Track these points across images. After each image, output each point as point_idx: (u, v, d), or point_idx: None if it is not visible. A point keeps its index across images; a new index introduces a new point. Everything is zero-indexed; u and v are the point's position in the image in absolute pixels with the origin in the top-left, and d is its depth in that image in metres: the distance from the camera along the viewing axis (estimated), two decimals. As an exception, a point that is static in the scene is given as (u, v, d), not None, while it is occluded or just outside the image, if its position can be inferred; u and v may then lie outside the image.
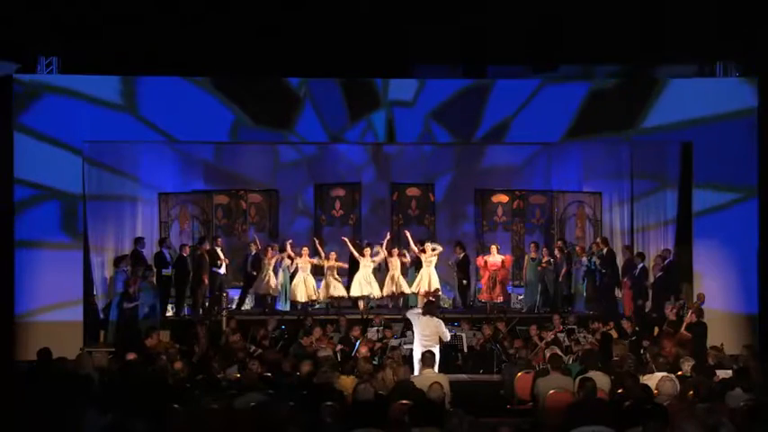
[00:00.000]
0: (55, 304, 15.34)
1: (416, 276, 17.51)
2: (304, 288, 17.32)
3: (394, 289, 17.45)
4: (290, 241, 17.76)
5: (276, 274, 17.39)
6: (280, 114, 16.19)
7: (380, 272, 17.76)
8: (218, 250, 17.47)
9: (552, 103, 16.09)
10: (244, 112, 15.99)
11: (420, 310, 13.52)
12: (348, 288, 17.52)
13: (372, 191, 19.70)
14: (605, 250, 17.36)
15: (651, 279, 17.15)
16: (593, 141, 17.37)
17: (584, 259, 17.57)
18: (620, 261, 17.53)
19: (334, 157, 19.65)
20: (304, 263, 17.37)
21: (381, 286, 17.49)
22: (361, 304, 17.40)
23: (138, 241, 17.16)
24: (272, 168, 19.67)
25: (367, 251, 17.49)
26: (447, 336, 13.41)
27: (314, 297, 17.45)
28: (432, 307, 13.74)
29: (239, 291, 18.12)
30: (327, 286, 17.43)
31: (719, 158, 16.00)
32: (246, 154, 19.23)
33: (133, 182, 18.04)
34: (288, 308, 17.45)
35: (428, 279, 17.26)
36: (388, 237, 17.80)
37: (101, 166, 16.97)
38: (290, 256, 17.51)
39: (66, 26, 15.01)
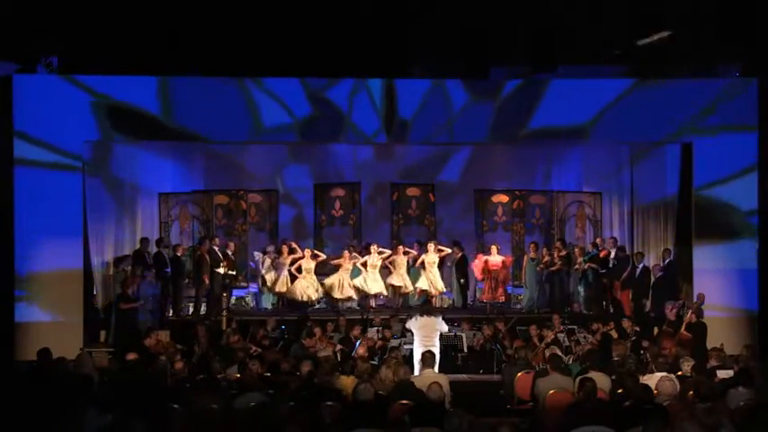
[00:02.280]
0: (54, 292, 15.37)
1: (420, 277, 17.60)
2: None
3: (402, 285, 17.56)
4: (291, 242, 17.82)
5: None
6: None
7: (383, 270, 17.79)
8: (218, 250, 17.43)
9: (553, 103, 16.09)
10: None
11: (417, 314, 13.78)
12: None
13: (370, 174, 19.44)
14: (601, 251, 17.34)
15: (652, 279, 17.12)
16: (593, 141, 17.36)
17: (581, 259, 17.57)
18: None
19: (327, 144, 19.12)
20: (308, 263, 17.37)
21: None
22: (373, 302, 17.50)
23: (144, 241, 17.12)
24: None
25: (374, 248, 17.47)
26: (445, 328, 13.72)
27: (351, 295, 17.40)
28: (428, 306, 13.89)
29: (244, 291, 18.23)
30: (341, 286, 17.39)
31: (719, 159, 16.00)
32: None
33: (133, 182, 18.01)
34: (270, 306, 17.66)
35: (430, 281, 17.41)
36: (398, 247, 17.79)
37: (101, 166, 16.96)
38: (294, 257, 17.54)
39: (66, 26, 15.01)
